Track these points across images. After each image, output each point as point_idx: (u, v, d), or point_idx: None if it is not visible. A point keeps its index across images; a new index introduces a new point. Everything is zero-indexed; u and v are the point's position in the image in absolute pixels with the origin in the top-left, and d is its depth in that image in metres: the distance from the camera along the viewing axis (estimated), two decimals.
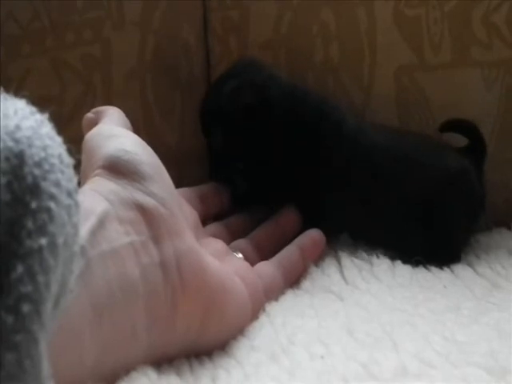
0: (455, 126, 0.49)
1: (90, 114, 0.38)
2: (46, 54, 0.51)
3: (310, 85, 0.52)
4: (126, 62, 0.52)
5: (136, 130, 0.52)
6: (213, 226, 0.44)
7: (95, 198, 0.29)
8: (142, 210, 0.30)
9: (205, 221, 0.44)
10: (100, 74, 0.51)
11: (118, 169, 0.31)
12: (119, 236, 0.29)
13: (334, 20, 0.52)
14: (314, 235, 0.42)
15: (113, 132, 0.34)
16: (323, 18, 0.52)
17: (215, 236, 0.42)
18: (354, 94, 0.52)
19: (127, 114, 0.43)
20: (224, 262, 0.37)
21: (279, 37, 0.53)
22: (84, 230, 0.27)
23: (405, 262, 0.42)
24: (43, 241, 0.20)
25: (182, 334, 0.30)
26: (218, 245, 0.40)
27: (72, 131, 0.52)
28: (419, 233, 0.43)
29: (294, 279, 0.40)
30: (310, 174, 0.44)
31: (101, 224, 0.28)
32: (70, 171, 0.22)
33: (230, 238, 0.44)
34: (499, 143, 0.50)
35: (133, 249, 0.29)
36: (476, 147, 0.47)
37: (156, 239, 0.30)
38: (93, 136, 0.34)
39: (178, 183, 0.51)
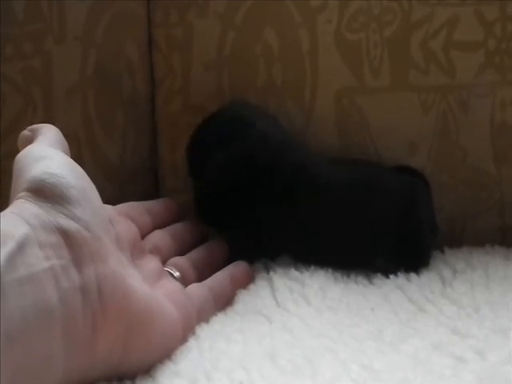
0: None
1: (25, 132, 0.37)
2: None
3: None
4: (68, 77, 0.51)
5: (78, 146, 0.52)
6: (156, 234, 0.44)
7: (15, 222, 0.29)
8: (64, 233, 0.30)
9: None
10: (40, 89, 0.51)
11: (43, 192, 0.31)
12: (39, 261, 0.29)
13: (277, 40, 0.52)
14: (242, 265, 0.43)
15: (41, 153, 0.34)
16: (266, 37, 0.52)
17: (158, 244, 0.42)
18: (296, 115, 0.53)
19: (68, 130, 0.43)
20: (156, 285, 0.37)
21: (223, 56, 0.53)
22: (1, 255, 0.27)
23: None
24: None
25: (102, 359, 0.31)
26: (154, 264, 0.40)
27: (10, 146, 0.50)
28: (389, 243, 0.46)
29: (223, 304, 0.40)
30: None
31: (20, 249, 0.28)
32: None
33: (173, 244, 0.43)
34: (435, 167, 0.52)
35: (52, 273, 0.29)
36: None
37: (77, 263, 0.30)
38: (22, 157, 0.34)
39: (120, 199, 0.50)
